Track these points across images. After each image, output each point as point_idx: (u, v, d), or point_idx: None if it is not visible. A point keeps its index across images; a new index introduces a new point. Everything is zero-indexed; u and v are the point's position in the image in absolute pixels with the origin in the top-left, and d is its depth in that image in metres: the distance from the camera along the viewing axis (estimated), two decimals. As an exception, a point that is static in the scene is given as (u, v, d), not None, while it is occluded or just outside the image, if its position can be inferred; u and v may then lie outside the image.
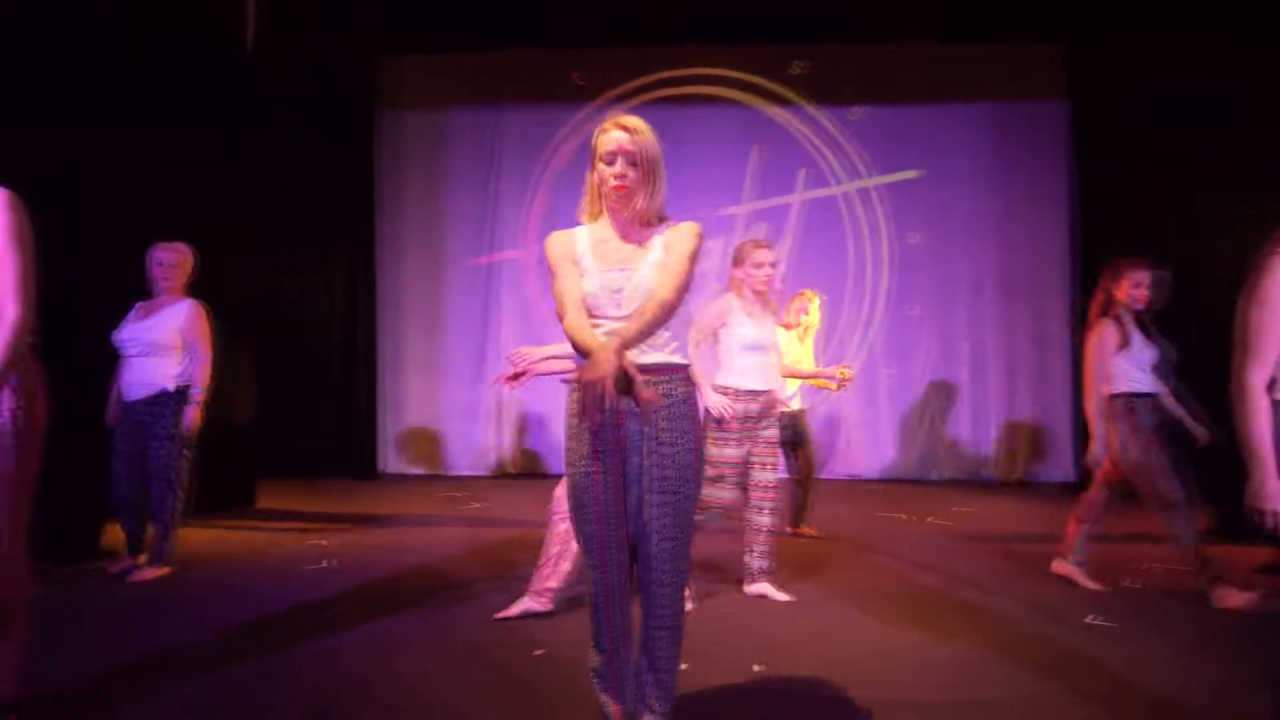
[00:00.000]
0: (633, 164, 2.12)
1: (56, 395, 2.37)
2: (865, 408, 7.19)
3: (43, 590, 2.45)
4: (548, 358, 3.14)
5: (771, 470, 3.70)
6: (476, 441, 7.35)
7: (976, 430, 7.07)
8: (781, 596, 3.59)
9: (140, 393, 3.76)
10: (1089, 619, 3.35)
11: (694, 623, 3.29)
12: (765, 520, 3.68)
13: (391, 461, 7.33)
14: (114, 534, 4.17)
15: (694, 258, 2.15)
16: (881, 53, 7.16)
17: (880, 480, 6.96)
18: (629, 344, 1.97)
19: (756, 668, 2.89)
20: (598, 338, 2.02)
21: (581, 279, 2.13)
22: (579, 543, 2.18)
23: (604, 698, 2.20)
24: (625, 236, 2.17)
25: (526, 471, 7.30)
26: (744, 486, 3.66)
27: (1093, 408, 3.72)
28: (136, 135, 4.76)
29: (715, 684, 2.75)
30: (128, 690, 2.62)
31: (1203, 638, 3.16)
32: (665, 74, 7.40)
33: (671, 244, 2.14)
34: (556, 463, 7.29)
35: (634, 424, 2.09)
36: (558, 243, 2.19)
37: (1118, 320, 3.68)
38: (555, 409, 7.33)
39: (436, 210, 7.46)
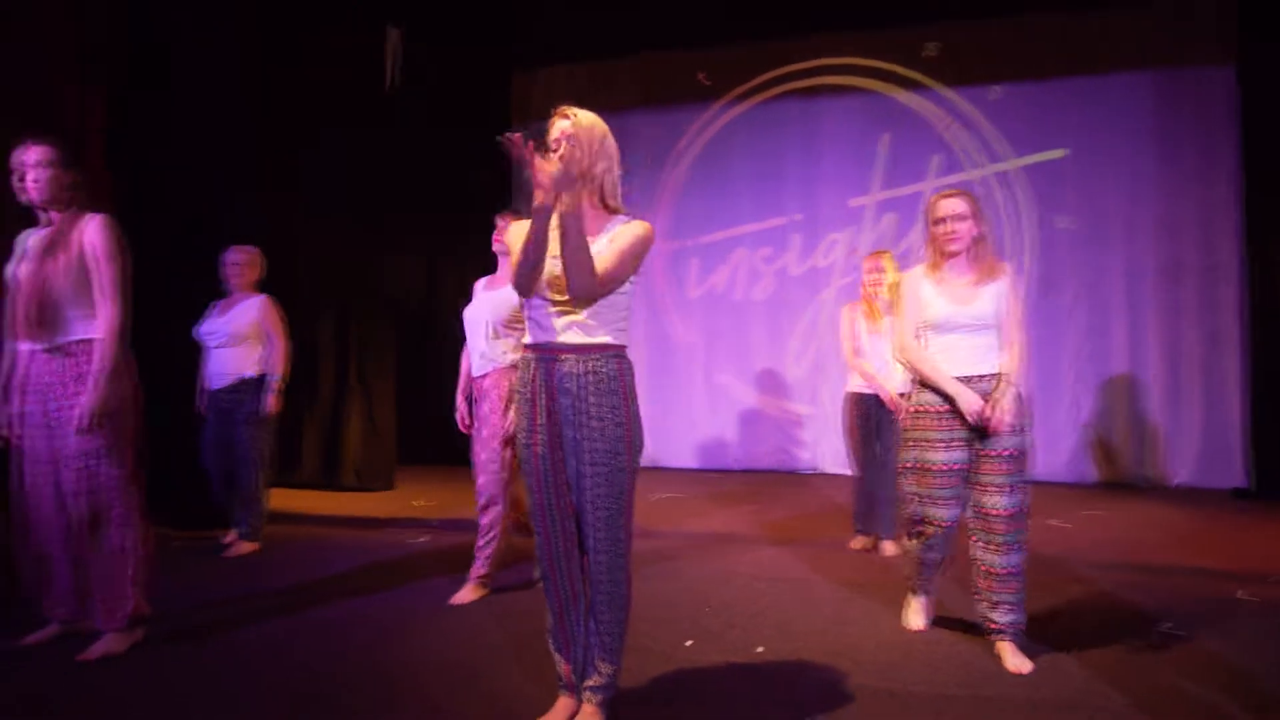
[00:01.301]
0: (573, 144, 2.23)
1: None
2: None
3: (162, 549, 2.95)
4: None
5: (998, 493, 2.79)
6: (606, 434, 7.61)
7: (1132, 430, 6.43)
8: (1023, 666, 2.68)
9: (222, 381, 4.29)
10: (1165, 627, 3.07)
11: (704, 601, 3.35)
12: (998, 559, 2.79)
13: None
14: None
15: (635, 250, 2.23)
16: (1021, 26, 6.71)
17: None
18: (567, 218, 2.06)
19: (759, 649, 2.90)
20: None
21: None
22: (529, 510, 2.33)
23: (556, 656, 2.34)
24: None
25: (653, 464, 7.47)
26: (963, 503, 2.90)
27: None
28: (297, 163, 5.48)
29: (711, 662, 2.80)
30: (200, 630, 3.08)
31: None
32: (791, 68, 7.33)
33: (618, 234, 2.24)
34: (670, 457, 7.42)
35: (566, 400, 2.22)
36: (513, 230, 2.35)
37: None
38: (681, 409, 7.47)
39: (571, 214, 7.81)
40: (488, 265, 3.83)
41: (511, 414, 3.33)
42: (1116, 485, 6.32)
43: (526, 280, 2.18)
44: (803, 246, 7.32)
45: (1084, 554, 4.20)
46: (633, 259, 2.25)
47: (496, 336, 3.50)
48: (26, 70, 4.47)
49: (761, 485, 6.49)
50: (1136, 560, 4.08)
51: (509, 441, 3.39)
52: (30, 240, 2.90)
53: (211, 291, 4.47)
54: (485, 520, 3.48)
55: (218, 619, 3.22)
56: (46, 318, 2.78)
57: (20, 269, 2.86)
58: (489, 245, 3.76)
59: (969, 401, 2.80)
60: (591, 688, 2.27)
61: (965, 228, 2.86)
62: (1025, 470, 2.83)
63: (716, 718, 2.37)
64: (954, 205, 2.88)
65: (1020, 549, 2.79)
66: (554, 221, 2.10)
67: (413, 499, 5.90)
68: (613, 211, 2.30)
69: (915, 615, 3.10)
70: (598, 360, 2.21)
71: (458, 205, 7.33)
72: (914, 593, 3.13)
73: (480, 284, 3.71)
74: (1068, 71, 6.63)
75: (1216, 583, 3.66)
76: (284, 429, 6.56)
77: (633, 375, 2.31)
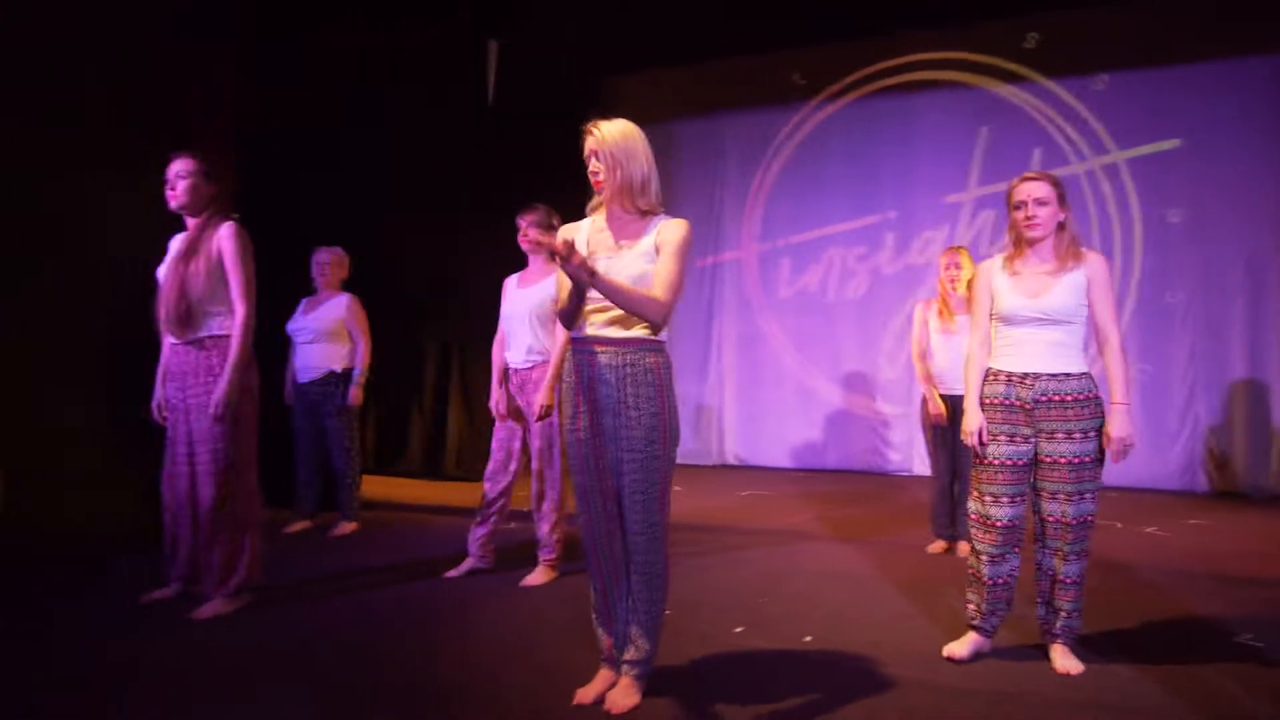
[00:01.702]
0: (600, 159, 2.41)
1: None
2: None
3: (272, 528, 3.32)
4: None
5: (1057, 500, 2.69)
6: (700, 433, 7.74)
7: (1249, 437, 6.05)
8: (1073, 668, 2.64)
9: (311, 375, 4.63)
10: (1244, 638, 2.96)
11: (764, 591, 3.44)
12: (1061, 566, 2.71)
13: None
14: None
15: (682, 252, 2.40)
16: (1126, 12, 6.42)
17: (1124, 489, 6.23)
18: (599, 283, 2.26)
19: (807, 639, 2.97)
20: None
21: None
22: (574, 493, 2.51)
23: (598, 631, 2.51)
24: (616, 227, 2.46)
25: (743, 463, 7.56)
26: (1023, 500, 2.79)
27: None
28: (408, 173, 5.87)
29: (754, 647, 2.90)
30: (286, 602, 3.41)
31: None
32: (885, 64, 7.27)
33: (664, 241, 2.39)
34: (762, 456, 7.47)
35: (605, 389, 2.38)
36: (562, 234, 2.53)
37: None
38: (772, 409, 7.51)
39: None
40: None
41: (541, 396, 3.52)
42: (1229, 495, 5.98)
43: (571, 319, 2.40)
44: (896, 245, 7.24)
45: (1174, 563, 4.05)
46: (685, 260, 2.42)
47: (542, 330, 3.69)
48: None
49: (850, 485, 6.47)
50: (1230, 572, 3.89)
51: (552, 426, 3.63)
52: (173, 243, 3.29)
53: (300, 288, 4.83)
54: (546, 506, 3.69)
55: (315, 590, 3.55)
56: (184, 315, 3.14)
57: (162, 270, 3.24)
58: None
59: (968, 422, 2.78)
60: (629, 661, 2.42)
61: (1046, 213, 2.70)
62: (1091, 478, 2.68)
63: (742, 695, 2.47)
64: (1035, 189, 2.72)
65: (1082, 557, 2.70)
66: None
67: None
68: (647, 214, 2.44)
69: (960, 646, 2.77)
70: (634, 353, 2.37)
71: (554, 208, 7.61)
72: (972, 622, 2.81)
73: (512, 281, 3.90)
74: (1180, 58, 6.31)
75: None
76: (391, 422, 7.05)
77: (670, 369, 2.45)
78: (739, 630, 3.05)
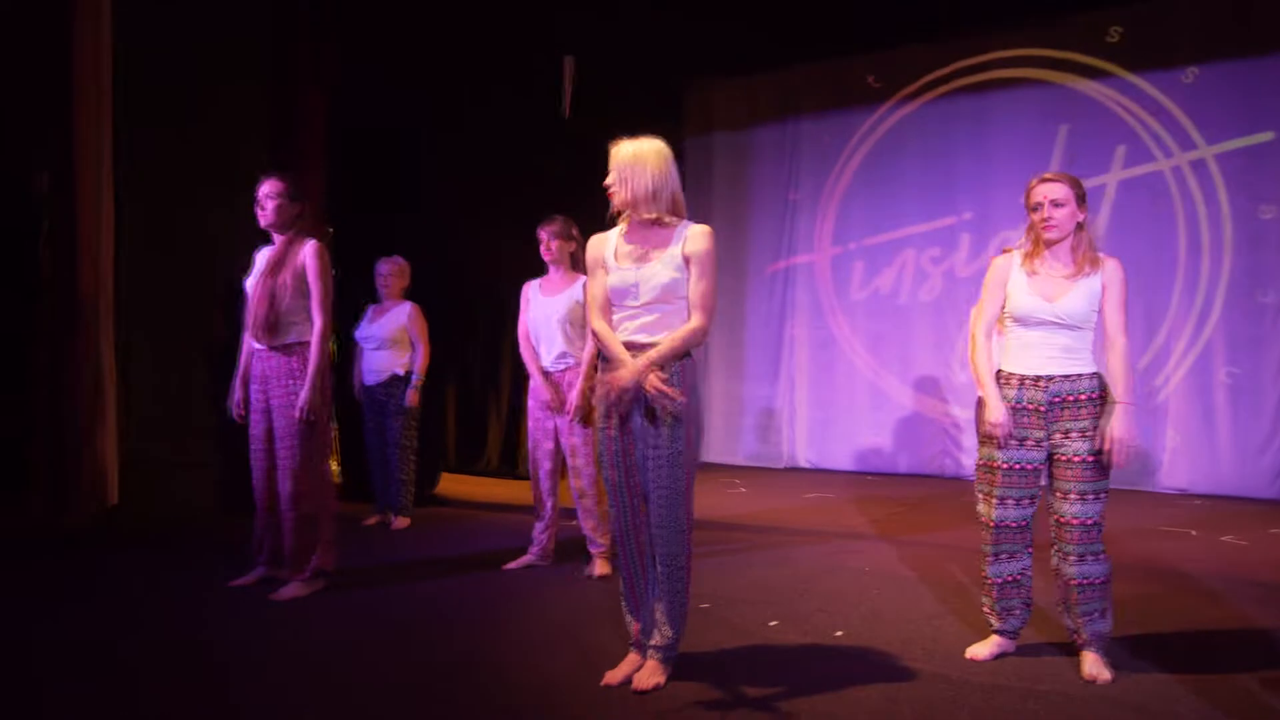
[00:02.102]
0: (613, 174, 2.59)
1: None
2: (1198, 412, 6.23)
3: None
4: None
5: (1067, 501, 2.70)
6: (770, 435, 7.81)
7: (1351, 442, 5.75)
8: (1101, 675, 2.62)
9: (377, 378, 4.93)
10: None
11: (806, 589, 3.53)
12: (1071, 569, 2.70)
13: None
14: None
15: (714, 267, 2.61)
16: (1217, 1, 6.19)
17: (1210, 496, 6.00)
18: (657, 362, 2.48)
19: (839, 633, 3.07)
20: (623, 350, 2.56)
21: (607, 276, 2.64)
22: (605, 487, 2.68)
23: (627, 618, 2.68)
24: (640, 237, 2.64)
25: (814, 466, 7.58)
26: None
27: None
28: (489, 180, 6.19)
29: (785, 640, 3.01)
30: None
31: None
32: (961, 63, 7.18)
33: (693, 254, 2.56)
34: (832, 460, 7.48)
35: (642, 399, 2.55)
36: (592, 247, 2.73)
37: None
38: (843, 412, 7.52)
39: (739, 222, 8.09)
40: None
41: (575, 397, 3.72)
42: (1327, 504, 5.69)
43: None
44: (971, 246, 7.14)
45: (1242, 572, 3.93)
46: (715, 271, 2.58)
47: (574, 333, 3.88)
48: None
49: (917, 489, 6.44)
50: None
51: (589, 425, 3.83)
52: (259, 257, 3.62)
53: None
54: (588, 503, 3.89)
55: (384, 578, 3.84)
56: (272, 323, 3.45)
57: (251, 281, 3.57)
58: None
59: (991, 412, 2.73)
60: (654, 646, 2.58)
61: (1063, 214, 2.69)
62: (1102, 478, 2.68)
63: (764, 680, 2.59)
64: (1052, 190, 2.71)
65: (1096, 560, 2.69)
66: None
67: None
68: (668, 223, 2.60)
69: (982, 647, 2.83)
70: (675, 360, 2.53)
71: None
72: (991, 625, 2.86)
73: (533, 288, 4.07)
74: (1273, 48, 6.04)
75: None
76: (470, 422, 7.38)
77: (695, 372, 2.61)
78: (773, 624, 3.16)
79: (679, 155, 8.72)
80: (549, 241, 4.00)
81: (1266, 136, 6.15)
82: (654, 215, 2.60)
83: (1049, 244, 2.75)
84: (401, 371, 4.97)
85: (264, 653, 2.87)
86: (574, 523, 4.50)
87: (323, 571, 3.51)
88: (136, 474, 4.85)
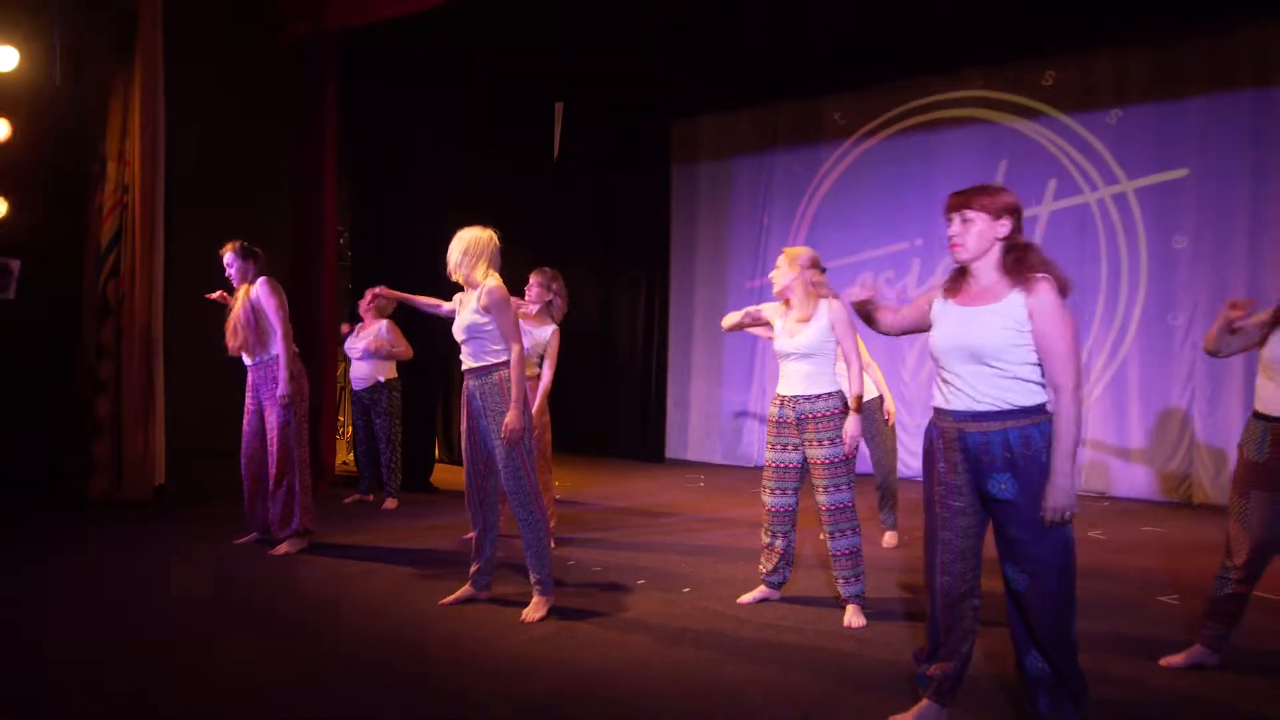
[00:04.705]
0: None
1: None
2: (1114, 423, 6.87)
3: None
4: (405, 296, 4.15)
5: (820, 492, 3.53)
6: (743, 436, 8.64)
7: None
8: (855, 622, 3.45)
9: (362, 384, 5.91)
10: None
11: (684, 559, 4.35)
12: (829, 543, 3.55)
13: (675, 450, 8.99)
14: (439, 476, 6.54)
15: (491, 308, 3.43)
16: (1138, 51, 6.82)
17: (1125, 499, 6.64)
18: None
19: (686, 590, 3.93)
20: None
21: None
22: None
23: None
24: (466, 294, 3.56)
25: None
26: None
27: None
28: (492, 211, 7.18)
29: (645, 592, 3.89)
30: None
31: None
32: (915, 103, 7.92)
33: (485, 307, 3.44)
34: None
35: (476, 403, 3.47)
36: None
37: None
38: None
39: (720, 243, 8.94)
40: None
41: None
42: (1213, 507, 6.27)
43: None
44: (922, 269, 7.86)
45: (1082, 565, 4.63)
46: (512, 325, 3.46)
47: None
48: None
49: (860, 486, 7.17)
50: (1113, 569, 4.48)
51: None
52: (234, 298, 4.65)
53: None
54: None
55: (364, 541, 4.82)
56: (249, 345, 4.48)
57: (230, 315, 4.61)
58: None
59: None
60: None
61: (778, 276, 3.57)
62: (844, 474, 3.49)
63: (620, 621, 3.48)
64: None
65: (847, 534, 3.51)
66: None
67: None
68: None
69: (749, 595, 3.74)
70: (490, 373, 3.46)
71: (623, 245, 8.76)
72: (761, 577, 3.75)
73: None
74: (1187, 93, 6.65)
75: (1149, 590, 4.07)
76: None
77: (508, 382, 3.47)
78: (641, 582, 4.05)
79: (668, 184, 9.66)
80: (534, 287, 4.79)
81: (1181, 173, 6.76)
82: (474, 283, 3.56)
83: (780, 295, 3.65)
84: (383, 379, 5.92)
85: (258, 593, 3.88)
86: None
87: (306, 530, 4.51)
88: (180, 460, 5.98)
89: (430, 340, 6.63)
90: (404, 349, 5.94)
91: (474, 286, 3.49)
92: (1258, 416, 2.95)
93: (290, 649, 3.14)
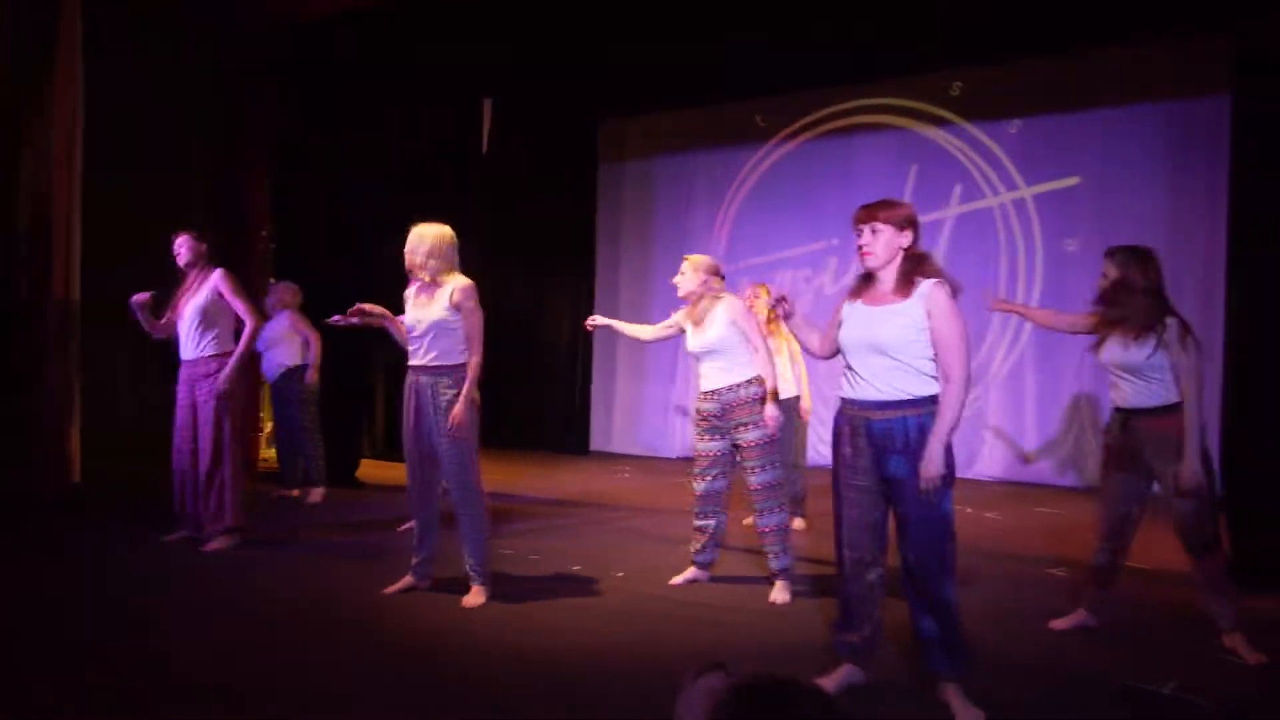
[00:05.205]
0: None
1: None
2: (1011, 411, 7.37)
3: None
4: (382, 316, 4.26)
5: (749, 473, 3.80)
6: (666, 429, 8.89)
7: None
8: (780, 597, 3.71)
9: (273, 374, 5.90)
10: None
11: (618, 546, 4.53)
12: (757, 520, 3.84)
13: (600, 442, 9.18)
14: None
15: (464, 306, 3.57)
16: (1038, 66, 7.27)
17: (1020, 483, 7.13)
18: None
19: (619, 574, 4.12)
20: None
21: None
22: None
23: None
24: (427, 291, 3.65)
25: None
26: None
27: None
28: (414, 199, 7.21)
29: (581, 575, 4.06)
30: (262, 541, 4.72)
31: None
32: (833, 109, 8.27)
33: (456, 305, 3.56)
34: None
35: (426, 397, 3.58)
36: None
37: None
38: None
39: (645, 242, 9.16)
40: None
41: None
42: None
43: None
44: (837, 268, 8.24)
45: (980, 543, 4.99)
46: (476, 322, 3.60)
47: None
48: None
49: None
50: (1009, 547, 4.85)
51: None
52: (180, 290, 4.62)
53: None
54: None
55: (297, 536, 4.85)
56: (189, 336, 4.46)
57: (177, 305, 4.57)
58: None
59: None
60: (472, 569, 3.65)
61: (684, 281, 3.93)
62: (769, 456, 3.76)
63: (559, 608, 3.64)
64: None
65: (773, 512, 3.77)
66: None
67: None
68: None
69: (681, 576, 3.96)
70: (442, 375, 3.58)
71: (550, 241, 8.88)
72: (692, 559, 3.97)
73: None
74: (1081, 105, 7.16)
75: (1041, 564, 4.45)
76: (392, 415, 8.32)
77: (464, 380, 3.60)
78: (576, 568, 4.22)
79: (594, 183, 9.80)
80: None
81: (1073, 180, 7.27)
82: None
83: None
84: (291, 364, 5.87)
85: (194, 590, 3.89)
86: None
87: (238, 527, 4.52)
88: (97, 457, 5.85)
89: (355, 334, 6.64)
90: (315, 335, 5.85)
91: (437, 284, 3.58)
92: (1115, 408, 3.32)
93: (231, 643, 3.20)
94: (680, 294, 3.97)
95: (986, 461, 7.42)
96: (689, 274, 3.94)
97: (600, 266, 9.29)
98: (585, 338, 9.22)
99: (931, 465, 2.50)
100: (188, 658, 3.00)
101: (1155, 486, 3.26)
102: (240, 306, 4.48)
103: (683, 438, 8.79)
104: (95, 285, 5.81)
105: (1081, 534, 5.01)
